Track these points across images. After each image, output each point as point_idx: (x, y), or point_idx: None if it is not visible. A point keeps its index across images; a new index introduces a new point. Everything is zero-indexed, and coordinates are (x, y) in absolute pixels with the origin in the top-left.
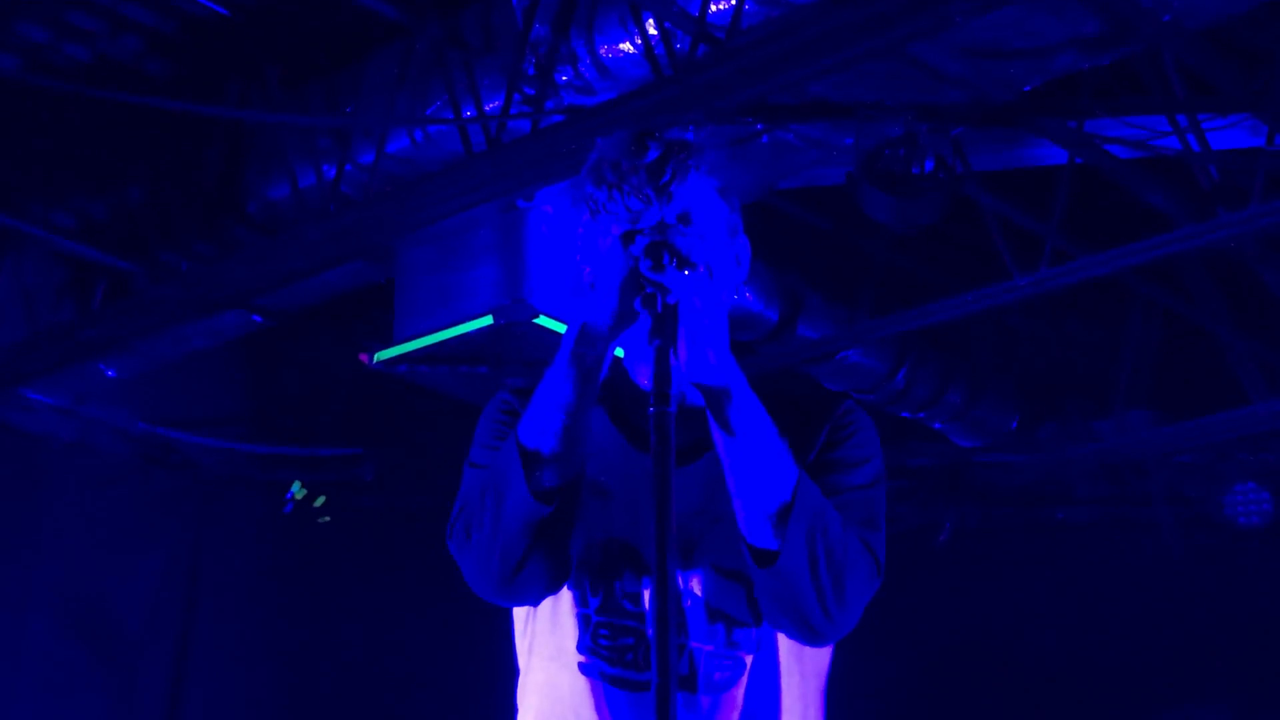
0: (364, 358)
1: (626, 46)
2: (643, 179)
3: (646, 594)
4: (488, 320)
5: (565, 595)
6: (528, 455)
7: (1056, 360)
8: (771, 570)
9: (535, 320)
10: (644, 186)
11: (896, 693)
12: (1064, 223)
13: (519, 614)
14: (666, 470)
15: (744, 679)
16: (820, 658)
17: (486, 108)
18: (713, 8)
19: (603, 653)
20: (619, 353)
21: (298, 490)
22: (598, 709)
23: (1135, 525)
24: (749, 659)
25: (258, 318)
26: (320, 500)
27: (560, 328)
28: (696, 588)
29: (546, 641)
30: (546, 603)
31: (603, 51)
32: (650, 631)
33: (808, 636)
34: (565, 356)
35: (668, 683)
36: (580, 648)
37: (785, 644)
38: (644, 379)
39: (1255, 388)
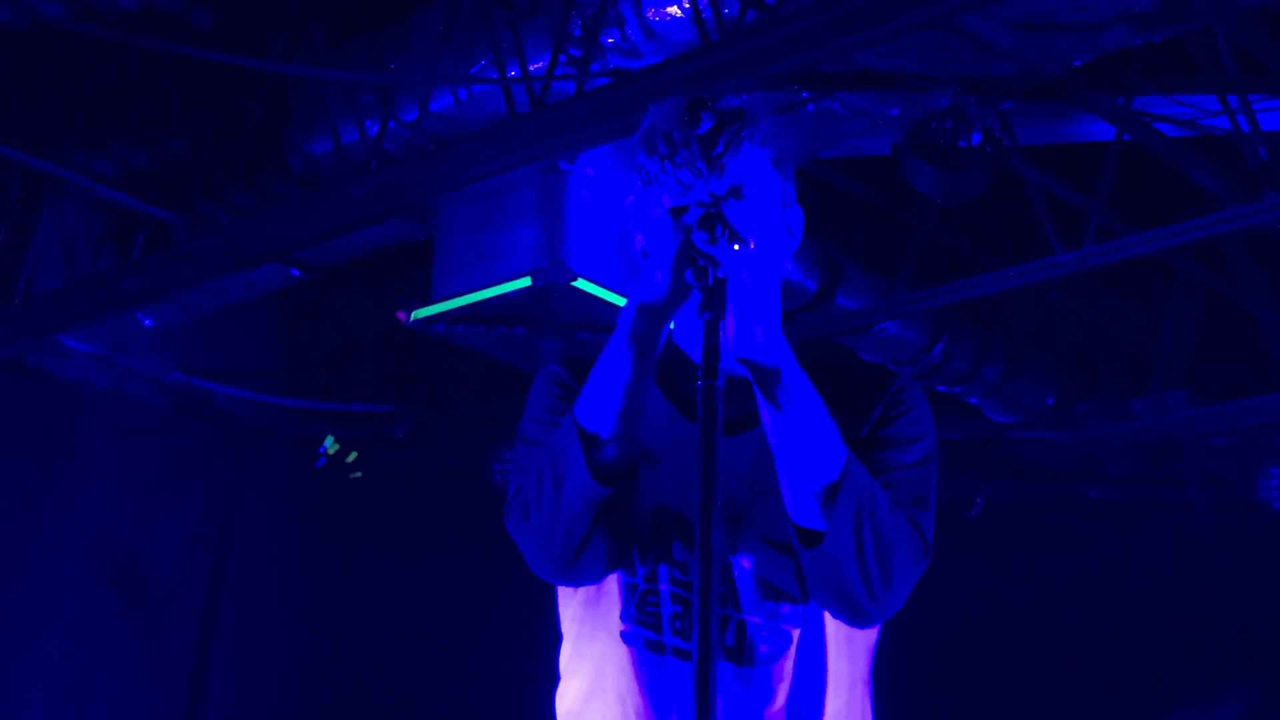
0: (401, 315)
1: (674, 10)
2: (695, 151)
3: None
4: (526, 281)
5: None
6: (587, 437)
7: (1095, 338)
8: (817, 551)
9: (573, 283)
10: (696, 159)
11: (924, 664)
12: (1109, 200)
13: (562, 588)
14: (712, 444)
15: (791, 651)
16: (869, 634)
17: (531, 68)
18: None
19: (649, 621)
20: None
21: (330, 445)
22: (641, 677)
23: (1169, 506)
24: (796, 632)
25: (296, 272)
26: (353, 455)
27: (598, 291)
28: (744, 560)
29: (593, 609)
30: None
31: (650, 14)
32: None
33: (853, 617)
34: (623, 334)
35: (708, 652)
36: (624, 616)
37: (833, 618)
38: (695, 350)
39: None
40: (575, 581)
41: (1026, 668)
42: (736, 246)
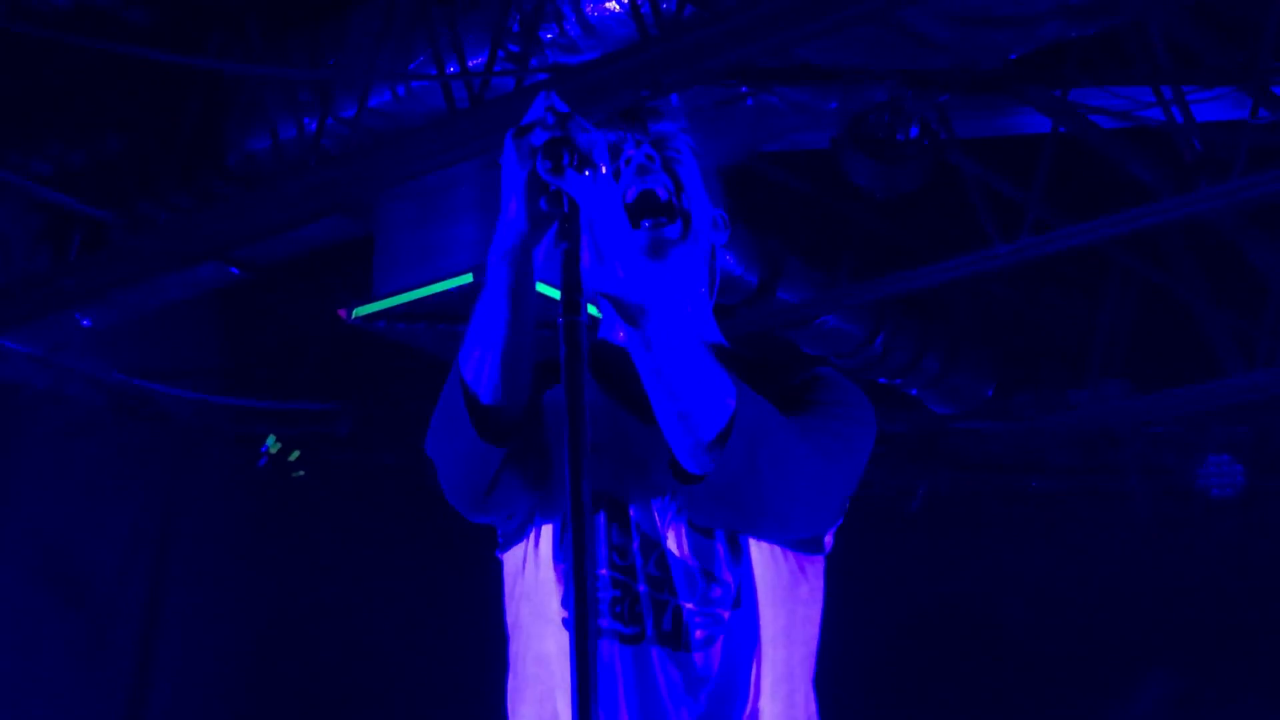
0: (342, 313)
1: (613, 5)
2: (618, 117)
3: (634, 546)
4: (468, 278)
5: (548, 550)
6: (469, 395)
7: (1033, 329)
8: (700, 486)
9: None
10: (619, 121)
11: (867, 656)
12: (1046, 192)
13: (508, 576)
14: (578, 379)
15: (722, 636)
16: (809, 623)
17: (470, 64)
18: None
19: None
20: (595, 313)
21: (272, 444)
22: None
23: (1108, 495)
24: (727, 615)
25: (235, 270)
26: (295, 454)
27: (540, 288)
28: (673, 544)
29: (531, 597)
30: (532, 561)
31: (588, 10)
32: (639, 587)
33: (741, 527)
34: (487, 278)
35: (586, 617)
36: (564, 602)
37: (766, 602)
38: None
39: (1231, 360)
40: (495, 516)
41: (969, 657)
42: (587, 173)
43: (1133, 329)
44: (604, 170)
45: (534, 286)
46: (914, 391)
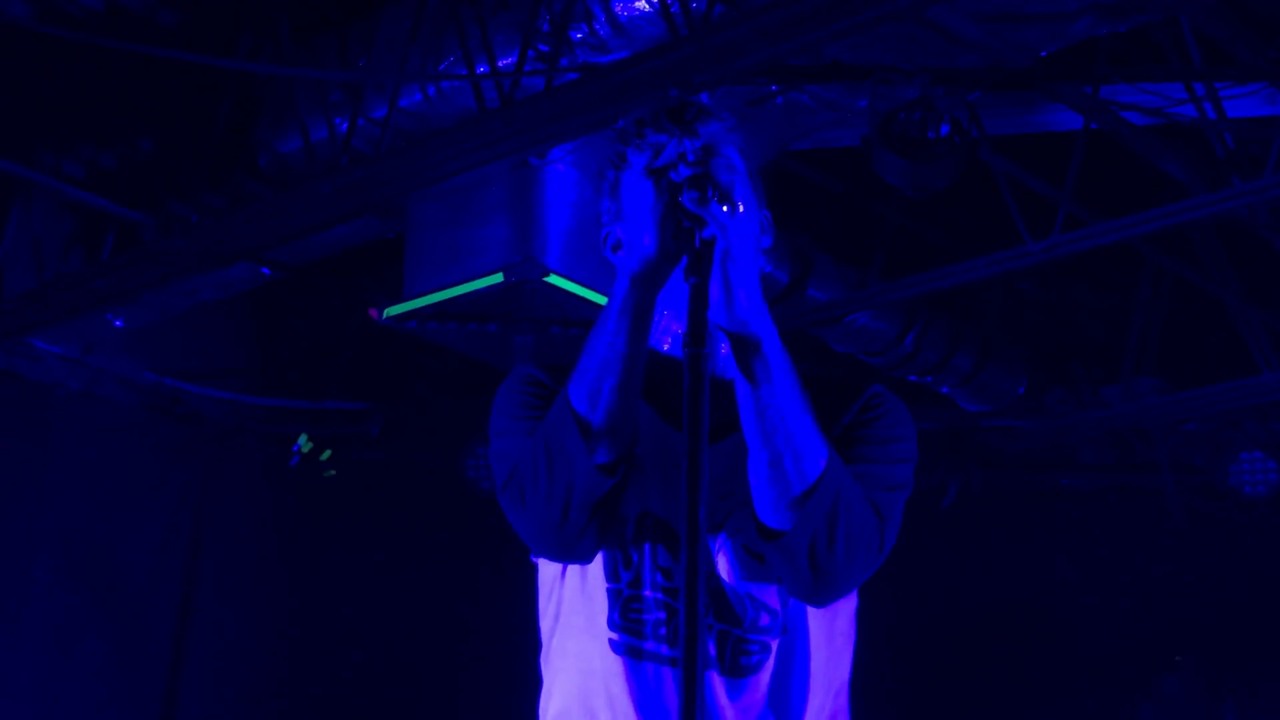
0: (373, 313)
1: (643, 4)
2: (664, 120)
3: (678, 570)
4: (498, 278)
5: (596, 568)
6: (583, 422)
7: (1065, 326)
8: (776, 544)
9: (546, 279)
10: (665, 121)
11: (897, 654)
12: (1078, 189)
13: (543, 583)
14: (700, 413)
15: (771, 661)
16: (848, 635)
17: (500, 64)
18: None
19: (633, 628)
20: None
21: (304, 443)
22: (629, 684)
23: (1140, 493)
24: (775, 643)
25: (267, 271)
26: (326, 454)
27: (571, 287)
28: (724, 570)
29: (576, 613)
30: (574, 574)
31: (618, 9)
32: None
33: (795, 594)
34: (614, 305)
35: (694, 654)
36: (610, 623)
37: (814, 628)
38: (672, 346)
39: (1264, 357)
40: (570, 560)
41: (1000, 655)
42: (725, 208)
43: (1165, 326)
44: (742, 208)
45: (653, 317)
46: (945, 389)
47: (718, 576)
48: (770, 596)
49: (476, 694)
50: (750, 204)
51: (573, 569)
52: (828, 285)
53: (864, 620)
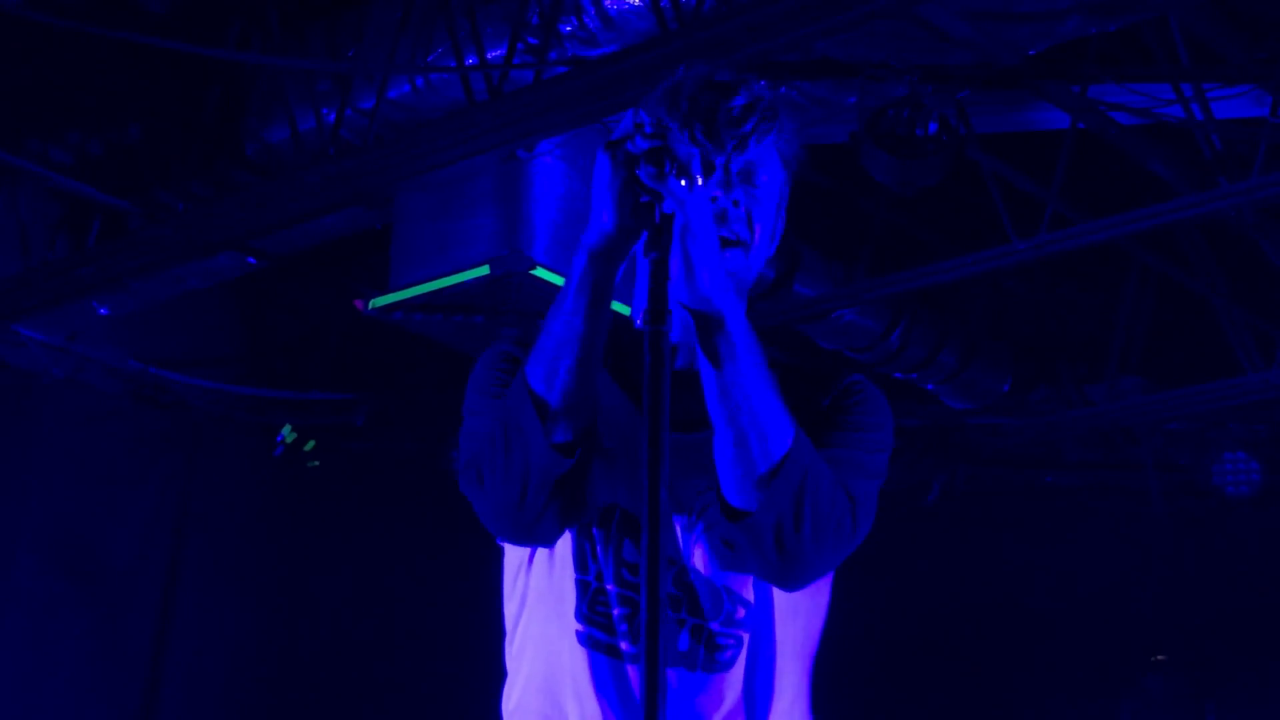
0: (359, 304)
1: None
2: (722, 120)
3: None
4: (485, 270)
5: (566, 557)
6: (539, 402)
7: (1050, 324)
8: (741, 525)
9: (533, 271)
10: (722, 128)
11: (880, 650)
12: (1065, 188)
13: (509, 567)
14: (661, 391)
15: (742, 656)
16: (810, 636)
17: (489, 56)
18: None
19: (599, 620)
20: (624, 309)
21: (288, 433)
22: (594, 677)
23: (1124, 491)
24: (747, 636)
25: (253, 260)
26: (310, 444)
27: (557, 280)
28: (700, 562)
29: (542, 603)
30: (542, 562)
31: (608, 3)
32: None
33: (763, 577)
34: (572, 283)
35: (655, 645)
36: (578, 615)
37: (781, 621)
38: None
39: (1248, 358)
40: (530, 543)
41: (983, 652)
42: (684, 182)
43: (1150, 326)
44: (700, 182)
45: (612, 296)
46: (930, 386)
47: (694, 569)
48: (746, 589)
49: (462, 680)
50: (768, 221)
51: (541, 556)
52: (814, 281)
53: (847, 615)
